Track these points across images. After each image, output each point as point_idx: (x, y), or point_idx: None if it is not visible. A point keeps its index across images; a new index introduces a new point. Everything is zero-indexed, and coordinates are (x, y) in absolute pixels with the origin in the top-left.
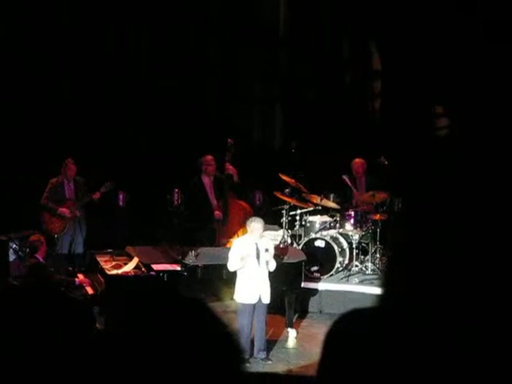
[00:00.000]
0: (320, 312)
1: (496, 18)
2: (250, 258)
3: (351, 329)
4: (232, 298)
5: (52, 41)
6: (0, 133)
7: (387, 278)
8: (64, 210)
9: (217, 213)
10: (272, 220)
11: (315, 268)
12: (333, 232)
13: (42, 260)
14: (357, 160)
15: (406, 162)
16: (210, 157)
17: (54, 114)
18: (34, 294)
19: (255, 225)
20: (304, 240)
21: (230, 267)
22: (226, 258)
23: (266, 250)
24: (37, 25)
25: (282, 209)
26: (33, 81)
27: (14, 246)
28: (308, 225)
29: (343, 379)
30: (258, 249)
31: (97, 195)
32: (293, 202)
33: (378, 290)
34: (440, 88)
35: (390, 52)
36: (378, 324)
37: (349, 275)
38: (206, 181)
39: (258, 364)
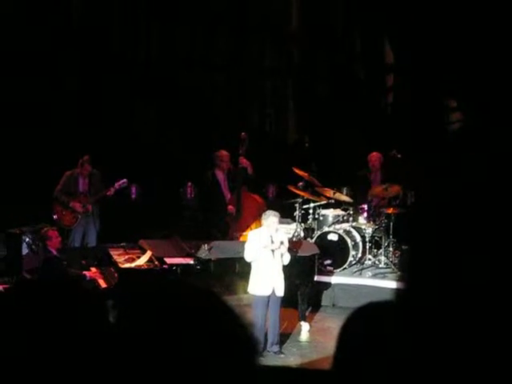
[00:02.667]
0: (333, 305)
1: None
2: (266, 250)
3: (367, 323)
4: (245, 292)
5: (61, 37)
6: (16, 126)
7: (408, 274)
8: (76, 204)
9: (230, 207)
10: (284, 213)
11: (328, 261)
12: (346, 225)
13: (55, 252)
14: (373, 154)
15: (418, 157)
16: (225, 153)
17: (68, 107)
18: (48, 288)
19: (272, 218)
20: (317, 233)
21: (247, 257)
22: (239, 252)
23: (282, 243)
24: (46, 21)
25: (295, 202)
26: (46, 75)
27: (28, 239)
28: (321, 218)
29: (358, 373)
30: (273, 242)
31: (110, 191)
32: (306, 195)
33: (391, 284)
34: (453, 82)
35: (402, 45)
36: (394, 318)
37: (362, 269)
38: (220, 175)
39: (270, 357)
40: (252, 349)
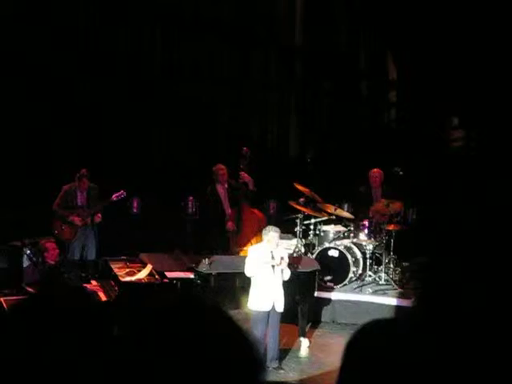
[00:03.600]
0: (333, 322)
1: None
2: (266, 265)
3: (372, 339)
4: (245, 307)
5: (66, 42)
6: (15, 138)
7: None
8: (75, 218)
9: (230, 224)
10: (285, 229)
11: (329, 277)
12: (346, 242)
13: (53, 263)
14: (374, 170)
15: (420, 173)
16: (220, 165)
17: (67, 119)
18: (58, 298)
19: (272, 233)
20: (318, 249)
21: (248, 272)
22: (240, 267)
23: (282, 259)
24: (52, 25)
25: (296, 218)
26: (49, 83)
27: (28, 252)
28: (322, 234)
29: None
30: (273, 257)
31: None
32: (307, 211)
33: (391, 301)
34: (455, 99)
35: (405, 62)
36: (399, 335)
37: (362, 285)
38: (221, 189)
39: (270, 373)
40: (258, 366)
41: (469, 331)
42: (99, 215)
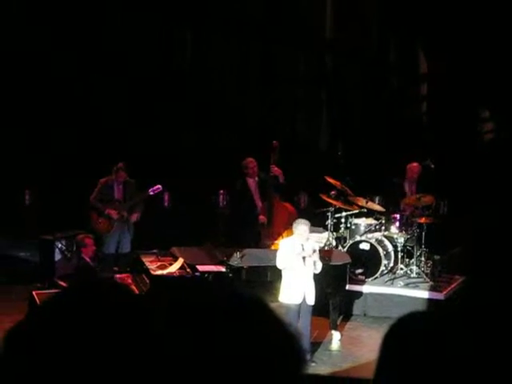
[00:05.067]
0: (364, 315)
1: None
2: (297, 258)
3: (410, 332)
4: (276, 300)
5: (93, 45)
6: (51, 132)
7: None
8: (111, 211)
9: (261, 217)
10: (316, 222)
11: (360, 270)
12: (378, 235)
13: (88, 260)
14: (414, 164)
15: (452, 166)
16: (250, 159)
17: (103, 113)
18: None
19: (302, 227)
20: (349, 242)
21: (279, 265)
22: (271, 260)
23: (314, 251)
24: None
25: (327, 211)
26: (76, 82)
27: (60, 245)
28: (353, 227)
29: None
30: (304, 250)
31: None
32: (338, 204)
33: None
34: (486, 92)
35: (436, 55)
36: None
37: (393, 278)
38: (251, 183)
39: None
40: (300, 359)
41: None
42: (136, 215)
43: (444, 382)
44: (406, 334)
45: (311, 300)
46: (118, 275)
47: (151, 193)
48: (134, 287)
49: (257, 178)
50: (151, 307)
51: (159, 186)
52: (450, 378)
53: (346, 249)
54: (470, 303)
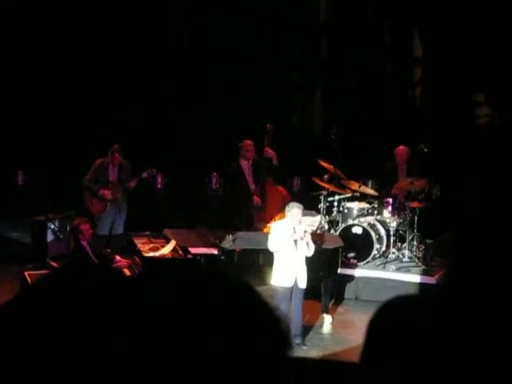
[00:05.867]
0: (356, 299)
1: None
2: (289, 241)
3: (397, 317)
4: (268, 283)
5: (98, 28)
6: (45, 113)
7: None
8: (105, 193)
9: (255, 199)
10: (309, 205)
11: (352, 254)
12: (370, 219)
13: (86, 245)
14: (401, 147)
15: (445, 150)
16: (248, 142)
17: (98, 97)
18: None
19: (295, 210)
20: (341, 226)
21: (271, 247)
22: (264, 243)
23: (305, 232)
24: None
25: (320, 194)
26: (71, 61)
27: (53, 226)
28: (346, 211)
29: (387, 367)
30: (295, 233)
31: (132, 183)
32: (331, 188)
33: (415, 278)
34: (481, 76)
35: (430, 39)
36: (424, 312)
37: (386, 262)
38: (245, 165)
39: (292, 349)
40: (285, 341)
41: (498, 311)
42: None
43: (429, 366)
44: (392, 317)
45: (303, 283)
46: (118, 258)
47: (145, 176)
48: (126, 269)
49: (251, 161)
50: (140, 289)
51: (153, 169)
52: (435, 362)
53: (338, 232)
54: (454, 289)
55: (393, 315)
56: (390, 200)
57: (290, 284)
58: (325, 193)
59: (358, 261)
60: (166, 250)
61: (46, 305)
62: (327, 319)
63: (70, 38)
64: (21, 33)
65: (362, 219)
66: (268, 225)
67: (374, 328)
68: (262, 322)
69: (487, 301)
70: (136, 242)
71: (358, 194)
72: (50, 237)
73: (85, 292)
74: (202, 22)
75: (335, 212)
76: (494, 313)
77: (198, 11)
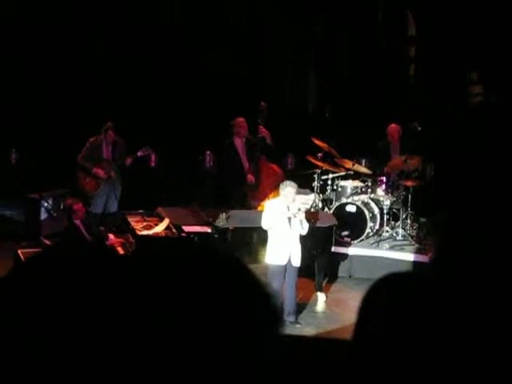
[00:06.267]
0: (350, 277)
1: None
2: (282, 219)
3: (389, 293)
4: (262, 261)
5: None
6: (39, 92)
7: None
8: (99, 171)
9: (250, 177)
10: (303, 184)
11: (346, 233)
12: (364, 197)
13: (80, 223)
14: (392, 125)
15: (439, 128)
16: (241, 119)
17: (93, 73)
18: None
19: (289, 188)
20: (335, 204)
21: (264, 225)
22: (257, 221)
23: (299, 210)
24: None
25: (314, 173)
26: (66, 48)
27: (46, 204)
28: (339, 189)
29: (380, 344)
30: (289, 210)
31: (128, 160)
32: (325, 166)
33: (408, 256)
34: (475, 55)
35: (424, 17)
36: (416, 289)
37: (379, 240)
38: (239, 143)
39: (286, 327)
40: (277, 318)
41: (486, 288)
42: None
43: (420, 344)
44: (385, 294)
45: (297, 262)
46: (111, 236)
47: (140, 154)
48: (119, 247)
49: (244, 139)
50: (132, 267)
51: (148, 148)
52: (426, 338)
53: (332, 211)
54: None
55: (385, 292)
56: (384, 178)
57: (283, 262)
58: (318, 171)
59: (352, 239)
60: (160, 228)
61: (38, 282)
62: (321, 297)
63: (60, 18)
64: (9, 19)
65: (355, 197)
66: (262, 203)
67: (367, 305)
68: (254, 298)
69: (477, 279)
70: (130, 220)
71: (352, 173)
72: (43, 215)
73: (77, 269)
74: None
75: (329, 190)
76: (484, 292)
77: None
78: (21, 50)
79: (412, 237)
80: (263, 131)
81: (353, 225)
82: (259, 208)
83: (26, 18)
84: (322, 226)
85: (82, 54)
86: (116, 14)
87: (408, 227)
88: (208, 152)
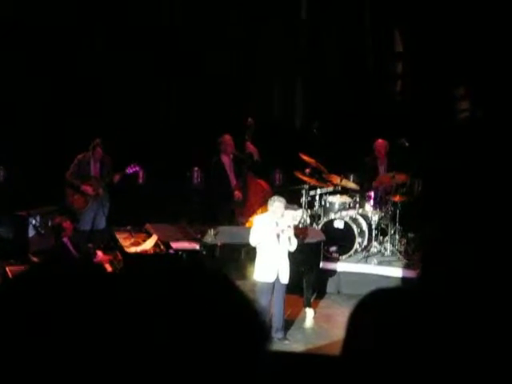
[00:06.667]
0: (338, 292)
1: None
2: (271, 235)
3: (377, 309)
4: (250, 278)
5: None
6: (27, 108)
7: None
8: (87, 188)
9: (237, 193)
10: (291, 199)
11: (334, 248)
12: (352, 213)
13: (68, 242)
14: (379, 141)
15: (427, 145)
16: (228, 136)
17: (80, 90)
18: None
19: (277, 204)
20: (323, 220)
21: (252, 242)
22: (245, 238)
23: (288, 227)
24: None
25: (302, 188)
26: (56, 56)
27: (34, 221)
28: (327, 205)
29: (368, 360)
30: (277, 227)
31: (116, 177)
32: (313, 181)
33: (397, 272)
34: (461, 70)
35: (411, 34)
36: (402, 305)
37: (367, 256)
38: (226, 160)
39: (275, 343)
40: (263, 334)
41: (473, 302)
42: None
43: (407, 359)
44: (372, 310)
45: (285, 278)
46: (99, 253)
47: (129, 171)
48: (107, 265)
49: (231, 156)
50: (119, 284)
51: (136, 165)
52: (414, 354)
53: (320, 226)
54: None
55: (372, 308)
56: (372, 194)
57: (271, 279)
58: (306, 187)
59: (340, 255)
60: (148, 244)
61: (24, 299)
62: (309, 313)
63: (52, 28)
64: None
65: (343, 213)
66: (250, 219)
67: (354, 321)
68: (241, 314)
69: (463, 293)
70: (118, 236)
71: (340, 188)
72: (31, 232)
73: (63, 286)
74: (181, 15)
75: (317, 206)
76: (470, 306)
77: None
78: (10, 68)
79: (400, 252)
80: (250, 147)
81: (341, 240)
82: (247, 224)
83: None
84: (310, 241)
85: (70, 70)
86: (116, 13)
87: (396, 243)
88: (196, 168)
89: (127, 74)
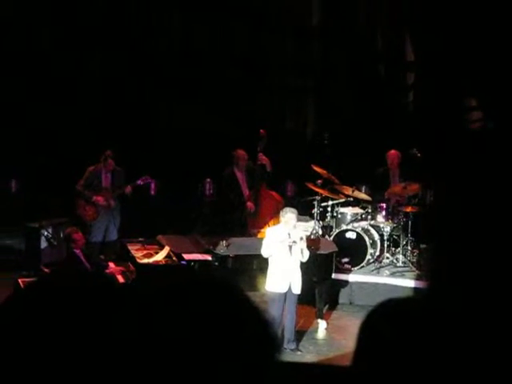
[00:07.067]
0: (350, 303)
1: None
2: (283, 246)
3: (387, 319)
4: (262, 289)
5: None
6: (38, 120)
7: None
8: (99, 199)
9: (249, 204)
10: (303, 211)
11: (346, 259)
12: (364, 224)
13: (79, 253)
14: (392, 151)
15: (438, 155)
16: (241, 151)
17: (90, 101)
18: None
19: (289, 215)
20: (335, 231)
21: (264, 253)
22: (257, 249)
23: (301, 239)
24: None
25: (314, 200)
26: (61, 65)
27: (46, 233)
28: (339, 216)
29: (379, 370)
30: (290, 238)
31: (128, 189)
32: (324, 193)
33: (409, 282)
34: (473, 81)
35: (423, 44)
36: (413, 315)
37: (380, 267)
38: (238, 172)
39: (287, 354)
40: (274, 345)
41: (480, 314)
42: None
43: (418, 369)
44: (383, 321)
45: (297, 289)
46: (111, 265)
47: (140, 183)
48: (120, 276)
49: (244, 168)
50: (130, 295)
51: (148, 176)
52: (424, 364)
53: (332, 238)
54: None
55: (383, 318)
56: (384, 205)
57: (283, 290)
58: (318, 198)
59: (352, 266)
60: (160, 256)
61: (34, 309)
62: (321, 324)
63: (56, 38)
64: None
65: (355, 224)
66: (262, 230)
67: (366, 331)
68: (250, 325)
69: (473, 304)
70: (130, 248)
71: (352, 199)
72: (43, 244)
73: (74, 297)
74: (191, 24)
75: (329, 217)
76: (480, 317)
77: (188, 13)
78: (20, 78)
79: (412, 263)
80: (263, 158)
81: (353, 251)
82: (259, 236)
83: (15, 40)
84: (323, 253)
85: (81, 81)
86: (115, 37)
87: (408, 253)
88: (208, 180)
89: (139, 85)
